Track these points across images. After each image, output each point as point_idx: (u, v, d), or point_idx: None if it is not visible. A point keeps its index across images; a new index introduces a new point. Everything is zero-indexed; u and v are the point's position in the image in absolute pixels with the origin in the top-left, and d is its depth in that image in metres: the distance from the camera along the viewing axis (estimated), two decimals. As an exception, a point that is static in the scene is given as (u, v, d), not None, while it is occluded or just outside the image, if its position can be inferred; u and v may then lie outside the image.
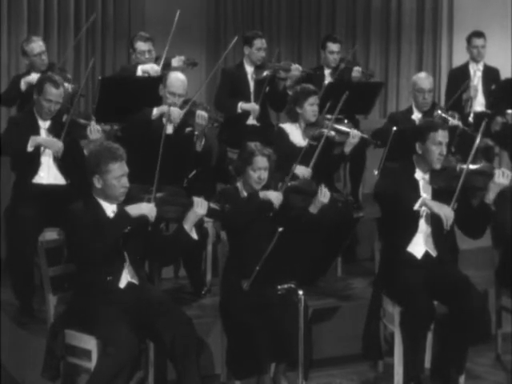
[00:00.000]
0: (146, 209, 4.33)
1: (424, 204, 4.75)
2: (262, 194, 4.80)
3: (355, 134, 5.82)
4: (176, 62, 6.72)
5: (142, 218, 4.32)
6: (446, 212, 4.69)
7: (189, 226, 4.41)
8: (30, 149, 5.22)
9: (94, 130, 5.32)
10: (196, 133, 5.62)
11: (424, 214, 4.80)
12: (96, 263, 4.27)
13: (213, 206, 4.54)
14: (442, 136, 4.84)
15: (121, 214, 4.29)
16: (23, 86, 6.36)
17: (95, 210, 4.37)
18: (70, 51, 7.81)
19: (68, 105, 5.65)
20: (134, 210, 4.30)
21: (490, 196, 4.74)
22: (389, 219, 4.94)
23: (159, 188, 4.49)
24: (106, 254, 4.24)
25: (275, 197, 4.80)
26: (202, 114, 5.60)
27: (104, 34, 8.43)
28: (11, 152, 5.34)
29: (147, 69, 6.59)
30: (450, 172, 4.83)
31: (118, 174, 4.33)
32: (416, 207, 4.75)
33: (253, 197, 4.78)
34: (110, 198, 4.38)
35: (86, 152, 5.25)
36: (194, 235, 4.43)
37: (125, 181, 4.36)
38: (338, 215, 4.92)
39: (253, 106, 6.76)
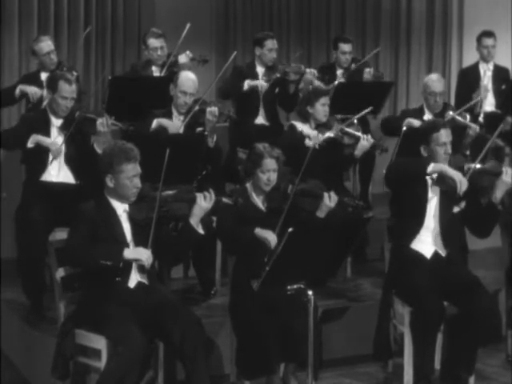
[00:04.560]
0: (143, 255, 4.27)
1: (438, 169, 4.73)
2: (258, 232, 4.67)
3: (368, 138, 5.82)
4: (183, 58, 6.68)
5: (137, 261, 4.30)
6: (461, 177, 4.67)
7: (195, 221, 4.39)
8: (29, 145, 5.25)
9: (105, 123, 5.29)
10: (206, 132, 5.63)
11: (433, 179, 4.77)
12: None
13: (225, 200, 4.53)
14: (445, 136, 4.82)
15: (116, 252, 4.26)
16: (17, 92, 6.30)
17: (106, 210, 4.39)
18: (80, 52, 7.82)
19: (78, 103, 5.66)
20: (131, 254, 4.27)
21: (497, 195, 4.73)
22: (399, 200, 4.93)
23: (171, 187, 4.49)
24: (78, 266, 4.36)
25: (270, 239, 4.63)
26: (212, 110, 5.63)
27: (114, 34, 8.42)
28: (11, 145, 5.37)
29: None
30: (458, 171, 4.82)
31: (130, 174, 4.34)
32: (429, 170, 4.71)
33: (247, 232, 4.69)
34: (121, 198, 4.40)
35: (96, 146, 5.24)
36: (201, 230, 4.41)
37: (137, 181, 4.37)
38: (348, 220, 4.89)
39: (260, 82, 6.73)
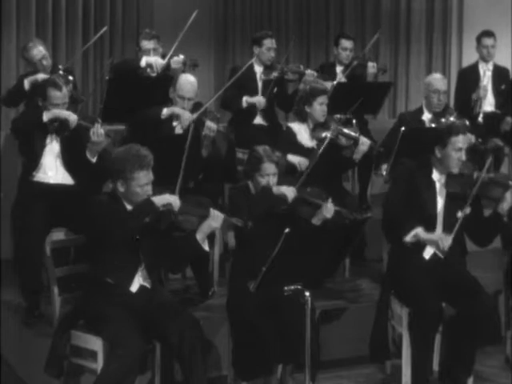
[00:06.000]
0: (170, 198, 4.29)
1: (416, 237, 4.73)
2: (276, 189, 4.75)
3: (364, 142, 5.79)
4: (174, 63, 6.54)
5: (167, 210, 4.27)
6: (441, 239, 4.69)
7: (201, 237, 4.36)
8: (45, 119, 5.21)
9: (98, 133, 5.21)
10: (205, 142, 5.58)
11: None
12: (114, 250, 4.24)
13: (235, 221, 4.48)
14: (462, 141, 4.79)
15: (146, 201, 4.26)
16: (27, 85, 6.31)
17: (118, 204, 4.34)
18: (78, 55, 7.79)
19: (74, 108, 5.63)
20: (159, 199, 4.27)
21: (504, 206, 4.72)
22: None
23: (171, 191, 4.45)
24: (126, 239, 4.20)
25: (289, 191, 4.76)
26: (210, 126, 5.56)
27: (112, 35, 8.41)
28: (26, 123, 5.32)
29: (151, 61, 6.49)
30: (466, 178, 4.79)
31: (142, 182, 4.29)
32: (408, 239, 4.72)
33: (266, 191, 4.74)
34: (131, 203, 4.35)
35: (88, 155, 5.21)
36: (206, 247, 4.39)
37: (148, 189, 4.32)
38: (344, 232, 4.87)
39: (258, 99, 6.71)
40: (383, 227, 4.99)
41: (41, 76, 6.20)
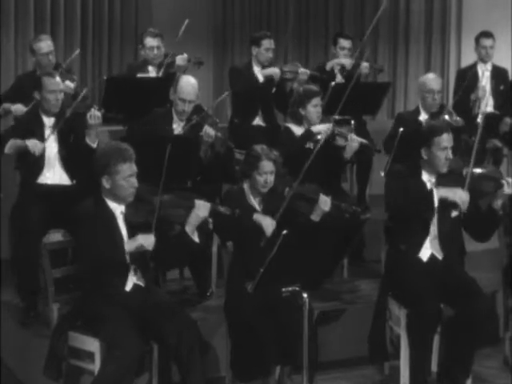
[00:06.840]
0: (142, 240, 4.26)
1: (439, 196, 4.68)
2: (256, 217, 4.70)
3: (353, 139, 5.74)
4: (180, 60, 6.61)
5: (140, 248, 4.27)
6: (461, 196, 4.65)
7: (190, 229, 4.36)
8: (7, 151, 5.22)
9: (95, 116, 5.23)
10: (202, 147, 5.56)
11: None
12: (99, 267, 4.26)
13: (223, 210, 4.48)
14: (446, 140, 4.77)
15: (119, 253, 4.27)
16: (0, 111, 6.25)
17: (104, 212, 4.35)
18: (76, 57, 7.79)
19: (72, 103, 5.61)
20: (131, 245, 4.27)
21: (498, 202, 4.71)
22: (398, 227, 4.91)
23: (167, 191, 4.44)
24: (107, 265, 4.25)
25: (268, 225, 4.66)
26: (208, 132, 5.51)
27: (111, 35, 8.41)
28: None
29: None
30: (456, 176, 4.78)
31: (126, 174, 4.32)
32: (436, 204, 4.67)
33: (246, 218, 4.69)
34: (118, 199, 4.37)
35: (88, 141, 5.21)
36: (196, 238, 4.38)
37: (134, 181, 4.35)
38: (345, 224, 4.86)
39: (274, 70, 6.70)
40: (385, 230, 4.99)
41: (16, 107, 6.14)
